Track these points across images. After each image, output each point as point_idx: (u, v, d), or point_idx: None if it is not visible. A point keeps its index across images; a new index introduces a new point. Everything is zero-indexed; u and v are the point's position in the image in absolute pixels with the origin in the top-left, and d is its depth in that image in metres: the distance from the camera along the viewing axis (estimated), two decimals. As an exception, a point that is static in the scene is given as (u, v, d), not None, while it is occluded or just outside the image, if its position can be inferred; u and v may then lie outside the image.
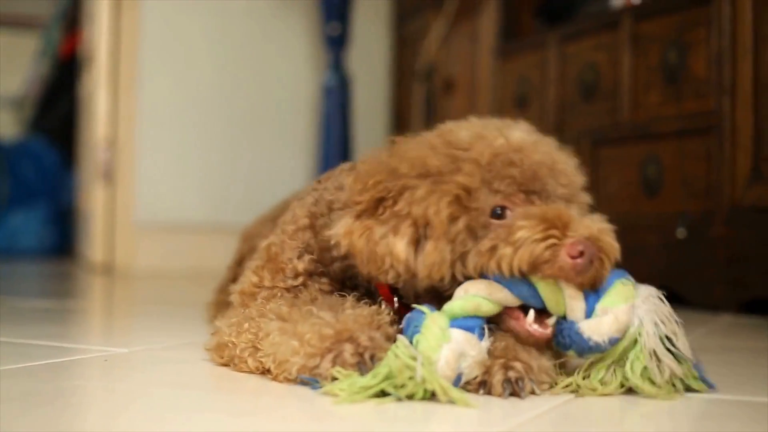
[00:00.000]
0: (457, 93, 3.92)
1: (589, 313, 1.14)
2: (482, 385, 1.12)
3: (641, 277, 2.78)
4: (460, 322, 1.11)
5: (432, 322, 1.09)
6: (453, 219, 1.19)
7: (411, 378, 1.07)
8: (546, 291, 1.14)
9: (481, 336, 1.11)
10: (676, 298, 2.65)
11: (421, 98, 4.11)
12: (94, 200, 4.26)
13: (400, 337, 1.11)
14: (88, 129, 4.68)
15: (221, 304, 1.85)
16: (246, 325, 1.26)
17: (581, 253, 1.14)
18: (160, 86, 4.16)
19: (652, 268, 2.76)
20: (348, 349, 1.13)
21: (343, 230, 1.23)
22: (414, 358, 1.07)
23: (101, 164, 4.16)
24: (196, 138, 4.18)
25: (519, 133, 1.27)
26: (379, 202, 1.22)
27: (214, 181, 4.21)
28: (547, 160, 1.25)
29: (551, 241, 1.14)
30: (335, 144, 4.01)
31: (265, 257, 1.38)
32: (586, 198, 1.33)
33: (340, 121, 4.04)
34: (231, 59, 4.27)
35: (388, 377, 1.08)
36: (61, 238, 5.93)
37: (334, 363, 1.12)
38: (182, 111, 4.17)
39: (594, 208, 1.31)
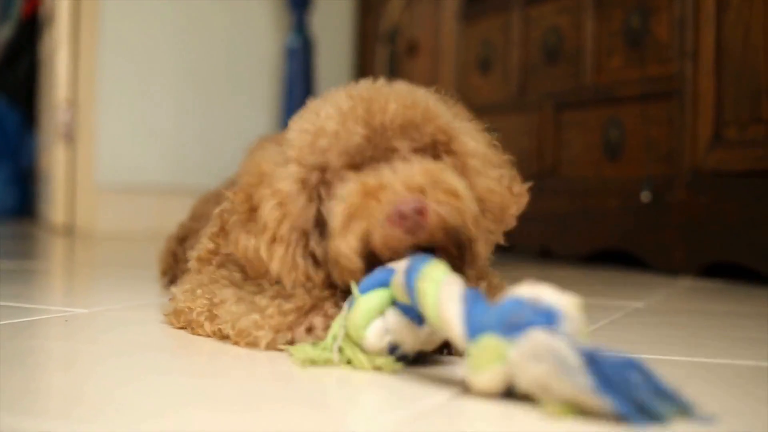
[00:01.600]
0: (420, 56, 3.91)
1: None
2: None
3: (603, 241, 2.81)
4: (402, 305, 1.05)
5: (364, 299, 1.06)
6: (279, 222, 1.18)
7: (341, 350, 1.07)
8: None
9: (420, 321, 1.04)
10: (636, 262, 2.67)
11: (384, 61, 4.10)
12: (55, 161, 4.23)
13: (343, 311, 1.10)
14: (49, 90, 4.65)
15: (170, 253, 1.87)
16: (199, 291, 1.26)
17: (403, 215, 1.05)
18: (121, 47, 4.13)
19: (613, 232, 2.78)
20: (318, 320, 1.13)
21: (232, 240, 1.24)
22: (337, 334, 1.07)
23: (62, 125, 4.13)
24: (157, 99, 4.16)
25: (354, 104, 1.18)
26: (253, 210, 1.21)
27: (175, 143, 4.19)
28: (390, 120, 1.15)
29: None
30: (298, 106, 3.91)
31: (218, 224, 1.37)
32: (462, 143, 1.21)
33: (303, 84, 4.03)
34: (194, 20, 4.24)
35: (324, 348, 1.08)
36: (22, 199, 5.89)
37: (308, 333, 1.13)
38: (144, 72, 4.15)
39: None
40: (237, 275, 1.25)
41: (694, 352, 1.29)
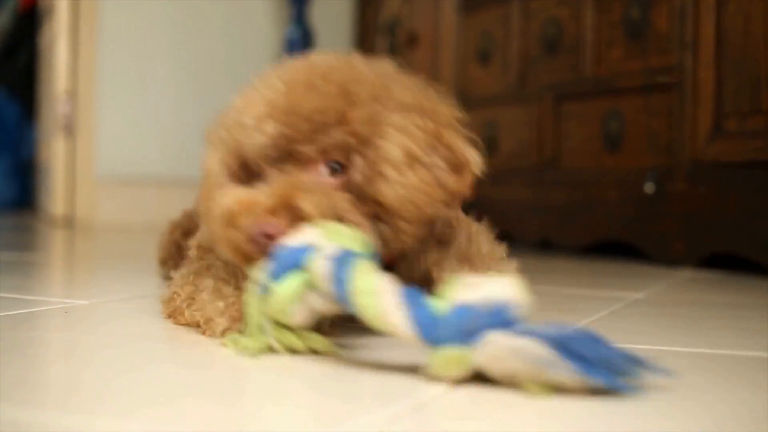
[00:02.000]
0: (420, 47, 3.91)
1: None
2: None
3: (603, 232, 2.81)
4: None
5: (282, 288, 1.04)
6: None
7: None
8: None
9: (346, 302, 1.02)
10: (636, 253, 2.67)
11: (384, 52, 4.09)
12: (54, 153, 4.23)
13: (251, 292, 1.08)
14: (48, 81, 4.64)
15: (171, 242, 1.85)
16: (191, 278, 1.26)
17: (254, 240, 1.08)
18: (120, 38, 4.12)
19: (613, 223, 2.78)
20: None
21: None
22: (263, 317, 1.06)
23: (62, 117, 4.13)
24: (157, 91, 4.16)
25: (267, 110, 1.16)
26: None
27: (175, 135, 4.18)
28: (303, 121, 1.13)
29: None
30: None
31: None
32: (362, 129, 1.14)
33: (302, 75, 4.02)
34: (193, 11, 4.24)
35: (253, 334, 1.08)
36: (22, 191, 5.89)
37: None
38: (143, 64, 4.14)
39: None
40: (228, 266, 1.24)
41: (695, 343, 1.29)
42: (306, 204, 1.08)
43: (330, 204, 1.09)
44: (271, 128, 1.13)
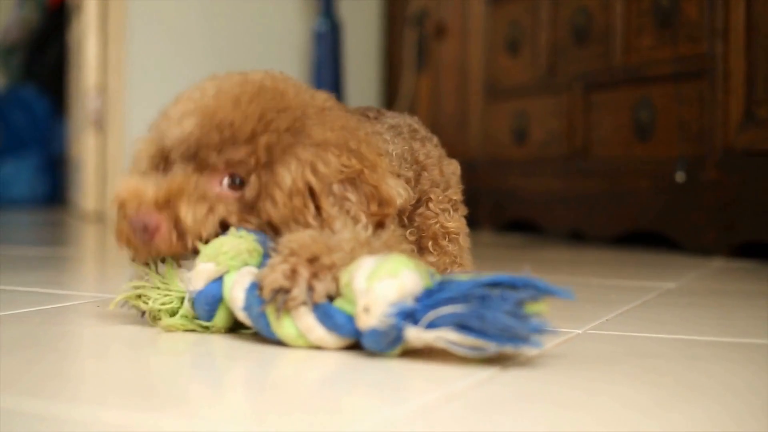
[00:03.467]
0: (448, 38, 3.90)
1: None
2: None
3: (634, 222, 2.79)
4: None
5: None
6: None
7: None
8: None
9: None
10: (668, 243, 2.66)
11: (412, 43, 4.09)
12: (85, 148, 4.25)
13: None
14: (78, 77, 4.66)
15: None
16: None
17: (134, 229, 1.15)
18: (149, 33, 4.13)
19: (644, 213, 2.76)
20: None
21: None
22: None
23: (92, 112, 4.15)
24: (186, 85, 4.15)
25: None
26: None
27: (205, 129, 4.18)
28: (213, 130, 1.18)
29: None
30: (326, 90, 3.98)
31: None
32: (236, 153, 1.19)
33: (331, 67, 4.03)
34: (222, 5, 4.24)
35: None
36: (53, 187, 5.92)
37: None
38: (172, 57, 4.15)
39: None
40: None
41: (726, 332, 1.29)
42: (184, 212, 1.15)
43: (206, 212, 1.16)
44: (188, 125, 1.19)
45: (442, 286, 1.00)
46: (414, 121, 1.51)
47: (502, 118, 3.52)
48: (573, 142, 3.10)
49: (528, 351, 1.01)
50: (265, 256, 1.12)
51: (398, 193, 1.24)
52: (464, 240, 1.44)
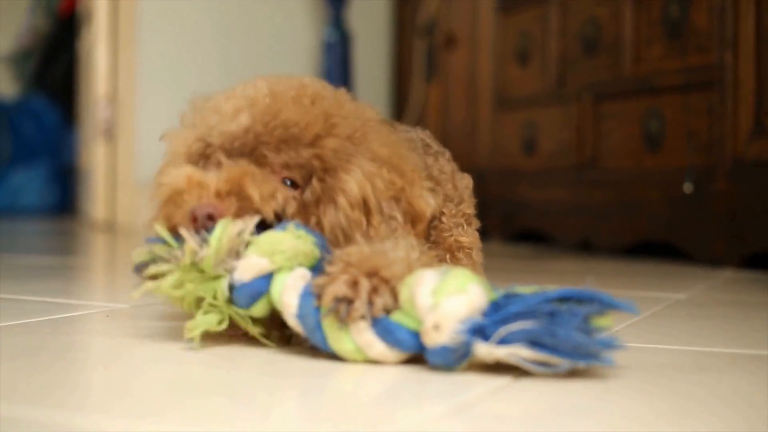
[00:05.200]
0: (458, 48, 3.90)
1: None
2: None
3: (644, 232, 2.79)
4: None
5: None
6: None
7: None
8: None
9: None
10: (678, 253, 2.65)
11: (421, 53, 4.09)
12: (95, 157, 4.25)
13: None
14: (88, 86, 4.67)
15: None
16: None
17: (195, 218, 1.11)
18: (159, 42, 4.14)
19: (654, 223, 2.76)
20: None
21: None
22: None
23: (102, 121, 4.16)
24: (196, 94, 4.16)
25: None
26: None
27: (215, 138, 4.19)
28: (274, 128, 1.17)
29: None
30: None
31: None
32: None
33: (340, 77, 4.03)
34: (231, 15, 4.25)
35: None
36: (63, 196, 5.93)
37: None
38: (182, 67, 4.16)
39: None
40: None
41: (736, 344, 1.28)
42: (253, 190, 1.12)
43: (275, 194, 1.13)
44: (245, 120, 1.17)
45: (507, 300, 0.99)
46: (426, 136, 1.50)
47: (512, 128, 3.52)
48: (582, 153, 3.09)
49: (598, 368, 1.01)
50: (320, 261, 1.10)
51: (427, 203, 1.24)
52: (477, 255, 1.44)
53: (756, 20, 2.42)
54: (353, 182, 1.15)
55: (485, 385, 0.94)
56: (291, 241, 1.09)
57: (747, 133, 2.43)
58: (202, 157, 1.20)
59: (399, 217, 1.19)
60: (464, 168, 1.53)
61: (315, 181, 1.16)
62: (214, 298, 1.10)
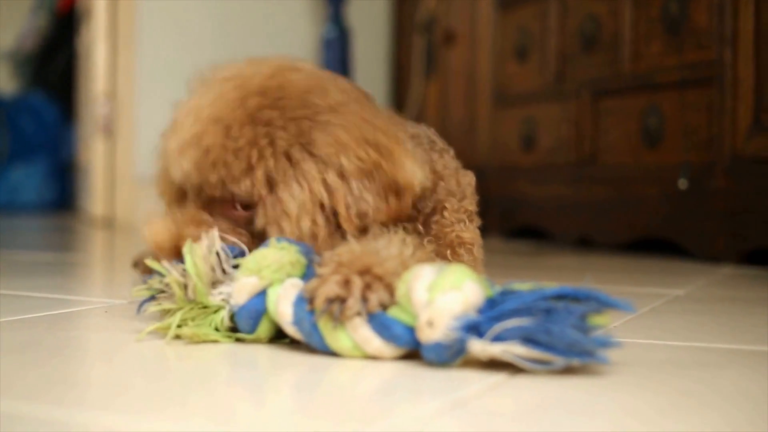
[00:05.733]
0: (457, 45, 3.90)
1: None
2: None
3: (643, 229, 2.78)
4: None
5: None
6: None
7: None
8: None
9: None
10: (676, 250, 2.65)
11: (421, 50, 4.09)
12: (94, 154, 4.25)
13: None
14: (87, 83, 4.67)
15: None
16: None
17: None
18: (159, 39, 4.14)
19: (653, 220, 2.76)
20: None
21: None
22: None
23: (101, 118, 4.15)
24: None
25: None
26: None
27: (214, 135, 4.18)
28: (216, 172, 1.22)
29: None
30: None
31: None
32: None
33: (340, 74, 4.01)
34: (231, 12, 4.25)
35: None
36: (62, 193, 5.93)
37: None
38: (181, 63, 4.15)
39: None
40: None
41: (735, 340, 1.28)
42: (186, 251, 1.15)
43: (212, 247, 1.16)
44: (186, 165, 1.23)
45: (504, 296, 0.99)
46: (431, 133, 1.51)
47: (511, 124, 3.52)
48: (581, 149, 3.09)
49: (595, 365, 1.01)
50: (308, 266, 1.12)
51: (415, 176, 1.26)
52: (478, 251, 1.44)
53: (755, 17, 2.41)
54: (291, 201, 1.20)
55: (481, 381, 0.94)
56: (275, 254, 1.11)
57: (746, 129, 2.43)
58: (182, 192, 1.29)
59: (370, 198, 1.21)
60: (463, 164, 1.53)
61: (260, 210, 1.22)
62: (216, 330, 1.13)
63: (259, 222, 1.21)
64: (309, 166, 1.20)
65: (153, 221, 1.24)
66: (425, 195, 1.37)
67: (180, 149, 1.23)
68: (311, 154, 1.21)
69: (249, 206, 1.23)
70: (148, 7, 4.13)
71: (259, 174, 1.20)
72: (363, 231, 1.22)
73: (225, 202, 1.24)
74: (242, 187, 1.20)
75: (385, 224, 1.24)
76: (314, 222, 1.19)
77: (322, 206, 1.20)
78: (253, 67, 1.31)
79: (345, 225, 1.20)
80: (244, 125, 1.21)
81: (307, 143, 1.22)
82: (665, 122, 2.72)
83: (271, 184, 1.20)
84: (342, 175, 1.21)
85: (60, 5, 6.01)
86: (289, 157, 1.21)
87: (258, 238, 1.22)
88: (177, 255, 1.17)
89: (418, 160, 1.29)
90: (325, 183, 1.20)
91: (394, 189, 1.23)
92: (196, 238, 1.16)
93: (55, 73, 6.15)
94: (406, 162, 1.25)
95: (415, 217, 1.36)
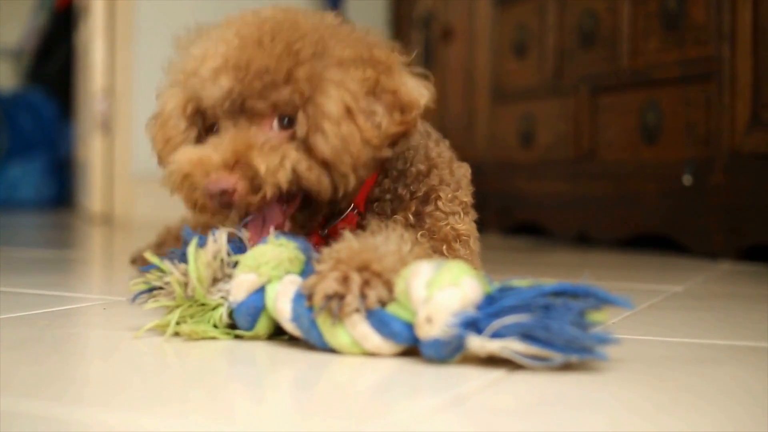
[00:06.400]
0: (455, 41, 3.90)
1: None
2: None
3: (641, 225, 2.78)
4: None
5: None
6: (163, 142, 1.33)
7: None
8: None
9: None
10: (675, 246, 2.65)
11: (419, 46, 4.09)
12: (92, 151, 4.25)
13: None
14: (86, 79, 4.67)
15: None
16: None
17: (212, 195, 1.18)
18: (156, 35, 4.14)
19: (651, 216, 2.76)
20: None
21: None
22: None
23: (99, 115, 4.15)
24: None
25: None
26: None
27: (212, 131, 4.18)
28: (253, 77, 1.22)
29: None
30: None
31: None
32: (284, 94, 1.22)
33: (338, 70, 4.02)
34: (228, 9, 4.23)
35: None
36: (60, 189, 5.93)
37: None
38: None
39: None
40: None
41: (733, 336, 1.28)
42: (259, 161, 1.17)
43: (280, 160, 1.18)
44: (225, 83, 1.22)
45: (502, 293, 0.99)
46: (427, 126, 1.51)
47: (509, 121, 3.52)
48: (580, 145, 3.09)
49: (593, 361, 1.01)
50: (307, 263, 1.12)
51: (420, 93, 1.28)
52: (475, 243, 1.44)
53: (753, 13, 2.41)
54: (332, 103, 1.20)
55: (480, 378, 0.94)
56: (273, 251, 1.12)
57: (744, 125, 2.43)
58: (199, 114, 1.27)
59: (379, 109, 1.23)
60: (461, 160, 1.52)
61: (301, 115, 1.21)
62: (215, 327, 1.13)
63: (300, 130, 1.21)
64: (334, 74, 1.22)
65: (186, 150, 1.24)
66: (419, 178, 1.39)
67: (215, 72, 1.23)
68: (331, 65, 1.23)
69: (284, 124, 1.23)
70: (145, 4, 4.13)
71: (302, 74, 1.21)
72: (378, 148, 1.23)
73: (263, 121, 1.23)
74: (286, 92, 1.21)
75: (395, 141, 1.26)
76: (351, 129, 1.20)
77: (349, 112, 1.21)
78: (255, 13, 1.35)
79: (368, 136, 1.21)
80: (273, 39, 1.23)
81: (323, 53, 1.24)
82: (664, 118, 2.72)
83: (310, 92, 1.21)
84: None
85: (58, 2, 6.00)
86: (317, 64, 1.22)
87: (301, 226, 1.26)
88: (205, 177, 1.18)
89: (418, 78, 1.31)
90: (348, 91, 1.21)
91: (398, 106, 1.24)
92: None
93: (53, 69, 6.14)
94: (407, 79, 1.28)
95: (407, 203, 1.37)
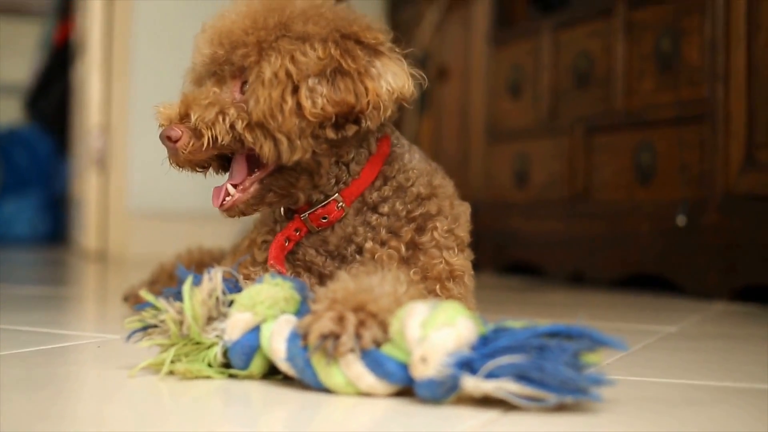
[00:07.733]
0: (450, 80, 3.91)
1: None
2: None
3: (635, 265, 2.78)
4: None
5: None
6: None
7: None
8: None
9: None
10: (669, 286, 2.66)
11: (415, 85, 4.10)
12: (87, 187, 4.25)
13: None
14: (81, 116, 4.68)
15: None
16: None
17: (162, 139, 1.36)
18: (152, 73, 4.15)
19: (646, 256, 2.76)
20: None
21: None
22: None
23: (94, 151, 4.16)
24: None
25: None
26: None
27: (207, 169, 4.19)
28: (226, 45, 1.35)
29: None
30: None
31: None
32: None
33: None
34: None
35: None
36: (55, 226, 5.92)
37: None
38: (175, 97, 4.16)
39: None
40: None
41: (728, 377, 1.28)
42: (194, 114, 1.31)
43: (215, 115, 1.30)
44: (206, 50, 1.36)
45: (497, 333, 0.99)
46: (435, 163, 1.55)
47: (504, 160, 3.52)
48: (574, 185, 3.10)
49: (587, 402, 1.01)
50: (303, 302, 1.12)
51: (401, 82, 1.40)
52: (469, 280, 1.43)
53: (747, 54, 2.43)
54: (267, 66, 1.30)
55: (474, 419, 0.94)
56: (269, 290, 1.12)
57: (738, 166, 2.44)
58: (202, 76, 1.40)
59: (323, 89, 1.28)
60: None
61: (250, 80, 1.32)
62: (210, 365, 1.13)
63: (247, 93, 1.30)
64: (286, 44, 1.30)
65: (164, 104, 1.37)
66: (418, 199, 1.42)
67: (204, 42, 1.37)
68: (288, 37, 1.32)
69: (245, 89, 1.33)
70: (142, 41, 4.14)
71: (252, 39, 1.32)
72: (312, 124, 1.29)
73: (232, 83, 1.35)
74: (239, 55, 1.32)
75: (338, 123, 1.31)
76: (282, 96, 1.27)
77: (294, 87, 1.28)
78: None
79: (301, 107, 1.27)
80: (257, 14, 1.34)
81: (285, 26, 1.33)
82: (658, 159, 2.73)
83: (258, 57, 1.31)
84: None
85: (55, 38, 6.02)
86: (273, 34, 1.32)
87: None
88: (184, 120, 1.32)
89: (403, 64, 1.44)
90: (294, 60, 1.29)
91: (353, 92, 1.30)
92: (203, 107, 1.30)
93: (49, 106, 6.15)
94: (389, 66, 1.41)
95: (403, 224, 1.40)
